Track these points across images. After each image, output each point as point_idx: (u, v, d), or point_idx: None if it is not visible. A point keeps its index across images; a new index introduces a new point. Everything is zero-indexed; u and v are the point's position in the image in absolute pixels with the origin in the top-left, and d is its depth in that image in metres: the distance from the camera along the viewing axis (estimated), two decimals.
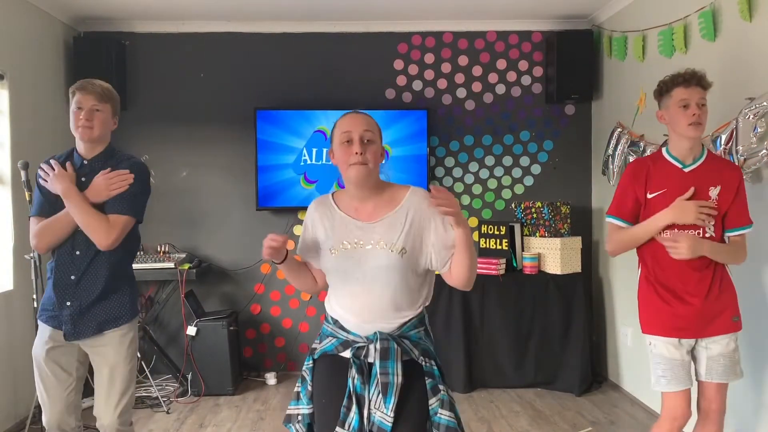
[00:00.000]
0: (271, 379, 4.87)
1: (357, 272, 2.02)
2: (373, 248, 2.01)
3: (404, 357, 1.99)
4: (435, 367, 2.06)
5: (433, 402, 1.99)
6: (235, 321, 4.81)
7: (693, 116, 2.51)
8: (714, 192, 2.57)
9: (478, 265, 4.61)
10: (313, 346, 2.15)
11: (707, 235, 2.57)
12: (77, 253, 2.52)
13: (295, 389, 2.15)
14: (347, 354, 2.03)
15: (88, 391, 2.83)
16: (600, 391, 4.59)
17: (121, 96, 4.73)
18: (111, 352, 2.56)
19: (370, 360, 1.99)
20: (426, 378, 2.01)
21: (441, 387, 2.02)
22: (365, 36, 5.04)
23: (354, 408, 1.94)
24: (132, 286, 2.68)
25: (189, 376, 4.58)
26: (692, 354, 2.66)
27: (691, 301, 2.58)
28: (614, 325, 4.70)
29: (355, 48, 5.03)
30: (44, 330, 2.56)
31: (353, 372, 1.97)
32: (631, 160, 4.11)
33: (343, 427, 1.93)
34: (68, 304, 2.52)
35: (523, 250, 4.79)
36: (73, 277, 2.53)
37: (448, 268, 2.05)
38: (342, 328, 2.06)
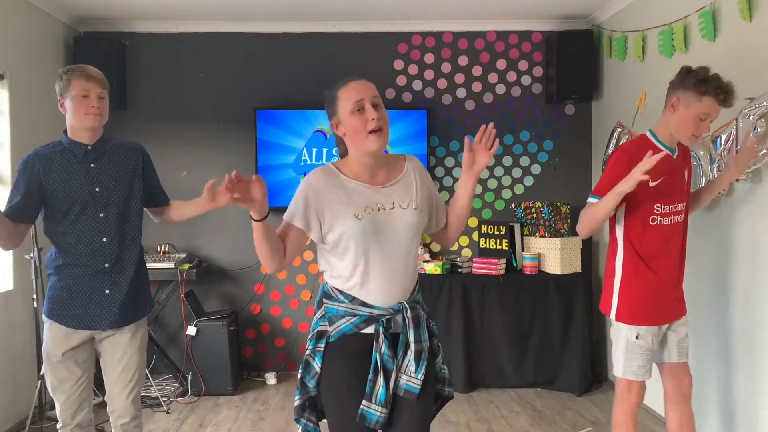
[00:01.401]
0: (271, 379, 4.88)
1: (386, 234, 2.01)
2: (396, 209, 2.03)
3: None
4: (435, 327, 2.17)
5: (438, 359, 2.14)
6: (235, 321, 4.81)
7: (703, 132, 2.54)
8: (686, 175, 2.69)
9: (479, 265, 4.67)
10: (320, 329, 2.06)
11: (681, 219, 2.68)
12: (104, 240, 2.53)
13: (299, 377, 2.07)
14: (370, 330, 2.01)
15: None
16: (600, 391, 4.59)
17: (121, 96, 4.85)
18: (127, 339, 2.60)
19: (406, 329, 2.02)
20: (433, 339, 2.12)
21: (439, 344, 2.17)
22: (365, 36, 5.04)
23: (380, 381, 1.96)
24: (147, 274, 2.76)
25: (189, 376, 4.58)
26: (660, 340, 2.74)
27: (670, 285, 2.66)
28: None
29: (355, 48, 5.03)
30: (59, 329, 2.53)
31: (382, 347, 1.97)
32: None
33: (370, 400, 1.95)
34: (107, 292, 2.54)
35: (523, 250, 4.79)
36: (107, 265, 2.54)
37: (443, 225, 2.23)
38: (363, 303, 2.02)
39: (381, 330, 1.99)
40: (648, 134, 2.67)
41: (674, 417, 2.78)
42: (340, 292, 2.04)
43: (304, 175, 4.96)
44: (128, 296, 2.58)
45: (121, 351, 2.60)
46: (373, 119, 1.96)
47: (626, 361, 2.67)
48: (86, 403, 2.61)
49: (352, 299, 2.02)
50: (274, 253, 2.02)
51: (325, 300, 2.08)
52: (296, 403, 2.07)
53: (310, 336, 2.10)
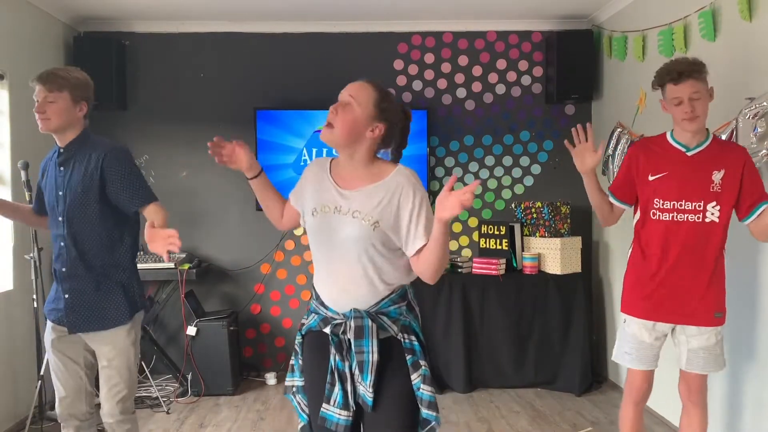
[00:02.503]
0: (271, 379, 4.87)
1: (332, 238, 2.01)
2: (347, 216, 1.99)
3: (383, 334, 1.99)
4: (416, 343, 2.03)
5: (415, 377, 1.98)
6: (235, 321, 4.80)
7: (685, 113, 2.54)
8: (717, 176, 2.57)
9: (479, 265, 4.66)
10: (302, 321, 2.17)
11: (707, 220, 2.58)
12: (62, 244, 2.55)
13: (290, 362, 2.18)
14: (327, 330, 2.04)
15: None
16: (600, 391, 4.59)
17: (121, 96, 4.85)
18: (108, 344, 2.58)
19: (349, 336, 1.99)
20: (406, 354, 2.00)
21: (422, 362, 2.00)
22: (365, 36, 5.04)
23: (337, 384, 1.98)
24: (131, 280, 2.62)
25: (189, 376, 4.57)
26: (673, 339, 2.73)
27: (672, 283, 2.62)
28: (614, 325, 4.70)
29: (355, 48, 5.03)
30: (48, 322, 2.65)
31: (332, 349, 2.00)
32: None
33: (328, 403, 1.98)
34: (66, 297, 2.55)
35: (523, 250, 4.79)
36: (64, 269, 2.55)
37: (416, 255, 1.97)
38: (322, 304, 2.07)
39: (329, 332, 2.03)
40: (667, 132, 2.72)
41: (684, 422, 2.79)
42: (314, 287, 2.12)
43: None
44: (85, 303, 2.53)
45: (102, 353, 2.60)
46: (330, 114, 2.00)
47: (618, 342, 2.79)
48: (82, 397, 2.62)
49: (317, 297, 2.09)
50: (270, 209, 2.27)
51: (311, 296, 2.18)
52: (285, 383, 2.21)
53: None
